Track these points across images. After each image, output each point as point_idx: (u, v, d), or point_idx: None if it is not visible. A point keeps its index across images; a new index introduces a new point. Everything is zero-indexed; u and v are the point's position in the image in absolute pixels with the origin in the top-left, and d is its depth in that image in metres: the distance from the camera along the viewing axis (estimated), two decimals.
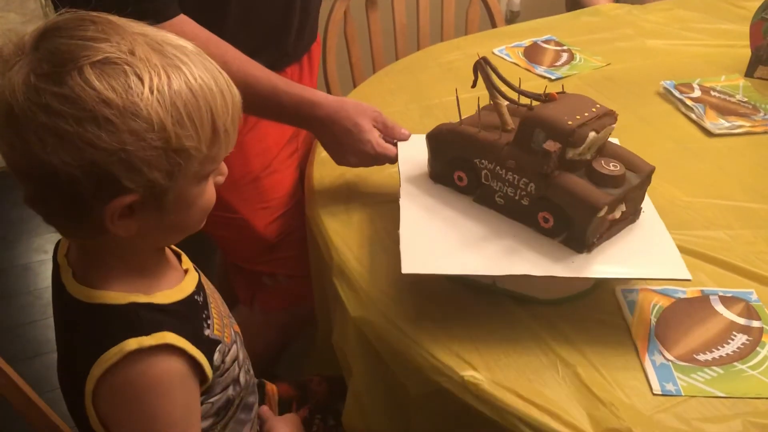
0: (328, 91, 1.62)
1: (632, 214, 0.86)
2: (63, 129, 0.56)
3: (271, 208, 1.14)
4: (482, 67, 0.86)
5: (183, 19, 0.93)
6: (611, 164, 0.83)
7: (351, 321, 0.88)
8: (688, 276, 0.77)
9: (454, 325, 0.83)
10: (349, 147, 0.97)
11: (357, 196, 1.05)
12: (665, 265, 0.81)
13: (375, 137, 0.96)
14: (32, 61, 0.57)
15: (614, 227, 0.84)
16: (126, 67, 0.57)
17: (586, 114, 0.81)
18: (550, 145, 0.79)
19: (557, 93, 0.85)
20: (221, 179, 0.70)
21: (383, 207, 1.01)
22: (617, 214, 0.83)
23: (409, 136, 1.00)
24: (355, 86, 1.56)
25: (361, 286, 0.89)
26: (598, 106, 0.83)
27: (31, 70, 0.57)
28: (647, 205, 0.89)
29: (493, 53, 1.50)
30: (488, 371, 0.77)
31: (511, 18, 2.97)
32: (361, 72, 1.69)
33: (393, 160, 0.98)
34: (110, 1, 0.80)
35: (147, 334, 0.63)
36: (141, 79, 0.57)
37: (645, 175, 0.85)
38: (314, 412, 1.02)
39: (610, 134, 0.86)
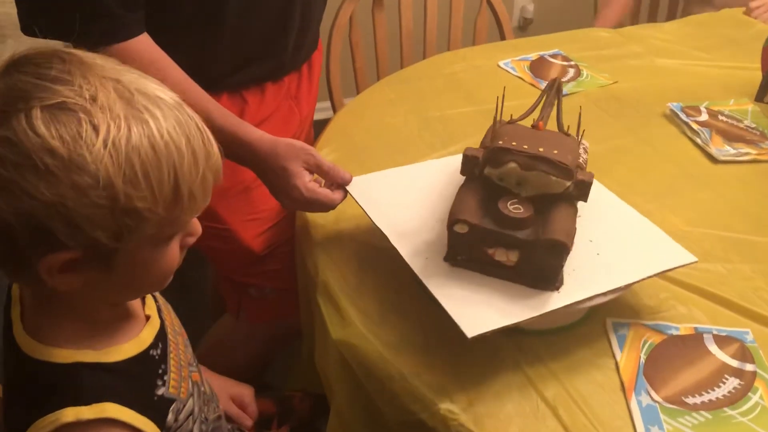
0: (330, 98, 1.60)
1: (535, 278, 0.78)
2: (0, 173, 0.52)
3: (260, 219, 1.12)
4: (549, 88, 0.90)
5: (138, 40, 0.92)
6: (514, 207, 0.78)
7: (332, 343, 0.85)
8: (470, 335, 0.71)
9: (437, 353, 0.81)
10: (280, 190, 0.93)
11: (348, 209, 1.02)
12: (477, 321, 0.73)
13: (304, 182, 0.91)
14: None
15: (500, 270, 0.79)
16: (81, 114, 0.52)
17: (525, 147, 0.79)
18: (471, 150, 0.83)
19: (565, 132, 0.86)
20: (191, 240, 0.64)
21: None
22: (501, 257, 0.78)
23: (351, 178, 0.93)
24: (358, 92, 1.54)
25: (344, 306, 0.87)
26: (555, 152, 0.78)
27: None
28: (571, 291, 0.78)
29: (499, 66, 1.48)
30: (467, 404, 0.75)
31: (524, 25, 2.93)
32: (364, 78, 1.67)
33: (328, 205, 0.93)
34: (61, 24, 0.77)
35: (87, 404, 0.59)
36: (96, 130, 0.52)
37: (547, 241, 0.75)
38: (295, 430, 1.00)
39: (557, 186, 0.78)
